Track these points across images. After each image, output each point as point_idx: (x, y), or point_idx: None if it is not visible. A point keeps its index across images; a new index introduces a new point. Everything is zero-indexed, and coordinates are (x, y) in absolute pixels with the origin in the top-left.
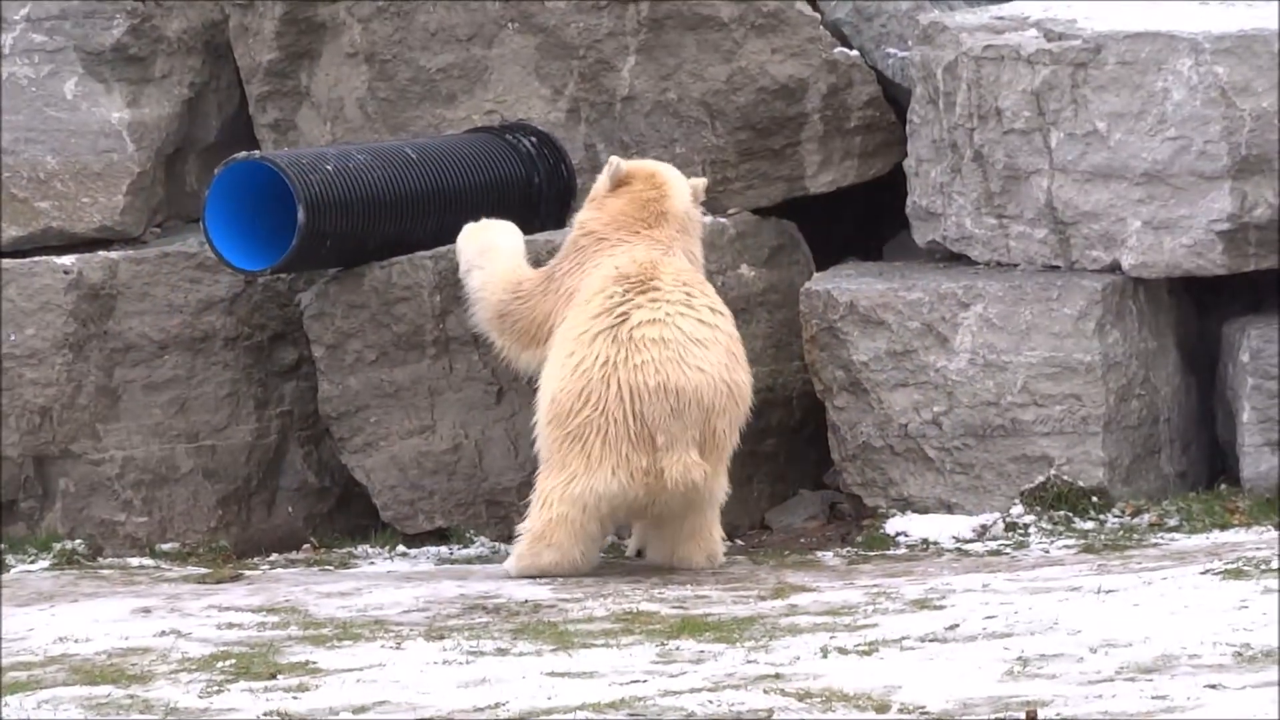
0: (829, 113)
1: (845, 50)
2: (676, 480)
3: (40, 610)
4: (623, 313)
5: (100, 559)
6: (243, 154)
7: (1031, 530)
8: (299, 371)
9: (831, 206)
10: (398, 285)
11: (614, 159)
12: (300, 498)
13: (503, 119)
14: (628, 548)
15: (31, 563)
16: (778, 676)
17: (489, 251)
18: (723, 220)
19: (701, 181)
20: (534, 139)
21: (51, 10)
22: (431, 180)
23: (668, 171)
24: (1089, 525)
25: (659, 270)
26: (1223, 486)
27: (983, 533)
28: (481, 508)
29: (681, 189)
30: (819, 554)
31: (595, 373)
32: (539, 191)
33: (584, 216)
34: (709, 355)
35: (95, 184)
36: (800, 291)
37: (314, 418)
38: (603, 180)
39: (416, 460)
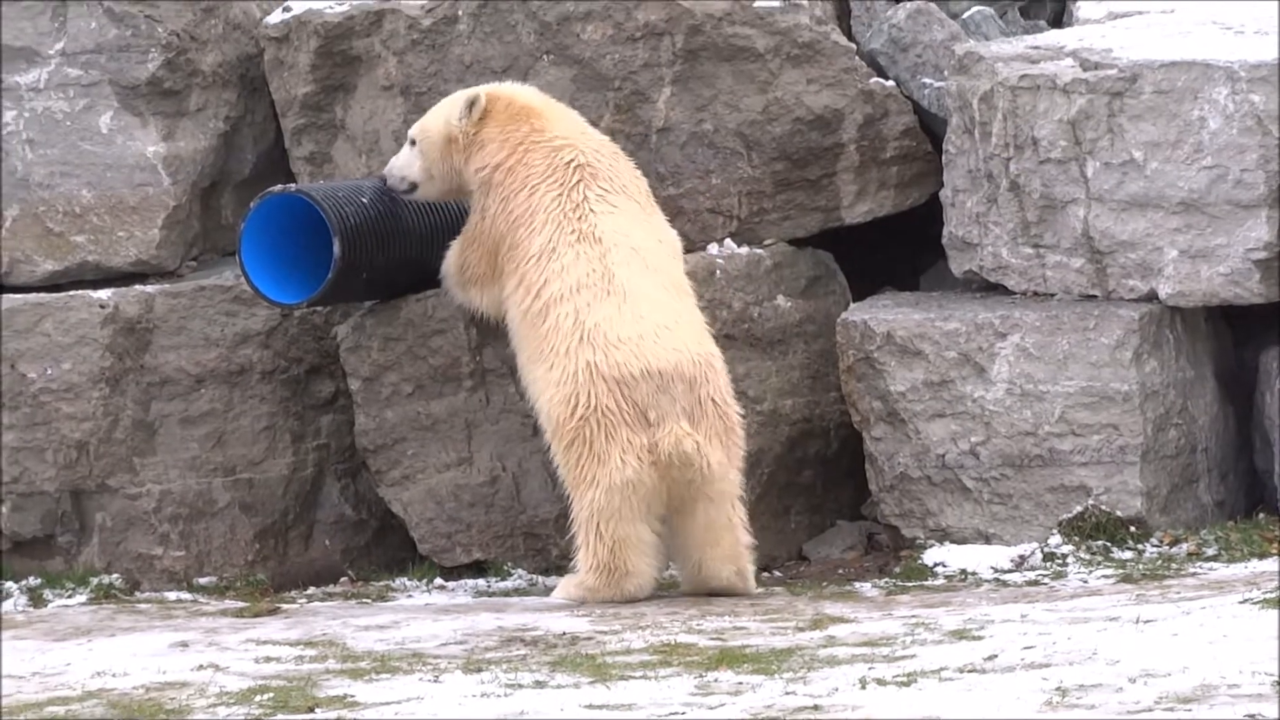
0: (865, 143)
1: (881, 80)
2: (670, 451)
3: (78, 644)
4: (594, 324)
5: (138, 593)
6: (278, 187)
7: (1070, 560)
8: (336, 404)
9: (868, 237)
10: (434, 318)
11: (463, 97)
12: (337, 531)
13: None
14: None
15: (69, 597)
16: (816, 708)
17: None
18: (759, 251)
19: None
20: None
21: (86, 44)
22: (467, 212)
23: (504, 87)
24: (1127, 555)
25: (608, 261)
26: (1261, 515)
27: (1021, 563)
28: (519, 540)
29: (524, 92)
30: (857, 585)
31: (581, 376)
32: None
33: (476, 164)
34: (679, 336)
35: (131, 217)
36: (837, 322)
37: (351, 451)
38: (446, 126)
39: (454, 493)
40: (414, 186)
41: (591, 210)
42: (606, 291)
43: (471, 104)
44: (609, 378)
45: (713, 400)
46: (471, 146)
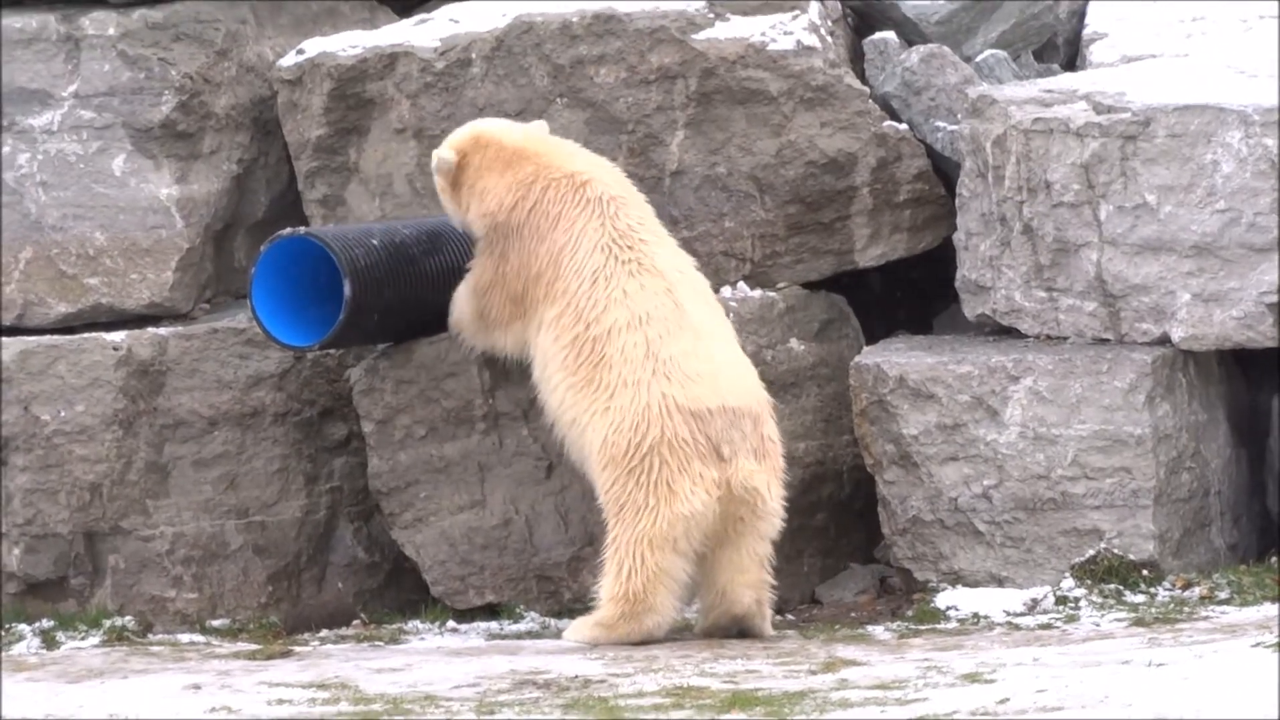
0: (878, 186)
1: (894, 124)
2: (741, 485)
3: (91, 687)
4: (669, 356)
5: (150, 635)
6: (288, 230)
7: (1082, 604)
8: (349, 447)
9: (881, 280)
10: (447, 361)
11: (435, 155)
12: (350, 573)
13: None
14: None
15: (82, 639)
16: None
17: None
18: (772, 294)
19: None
20: None
21: (100, 87)
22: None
23: (487, 129)
24: (1140, 598)
25: (677, 295)
26: (1274, 559)
27: (1033, 606)
28: (532, 583)
29: (509, 129)
30: (869, 628)
31: (655, 407)
32: None
33: (480, 209)
34: (747, 376)
35: (144, 260)
36: (850, 365)
37: (364, 493)
38: (440, 182)
39: (467, 535)
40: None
41: (642, 240)
42: (679, 326)
43: (437, 162)
44: (685, 410)
45: (772, 439)
46: (471, 195)
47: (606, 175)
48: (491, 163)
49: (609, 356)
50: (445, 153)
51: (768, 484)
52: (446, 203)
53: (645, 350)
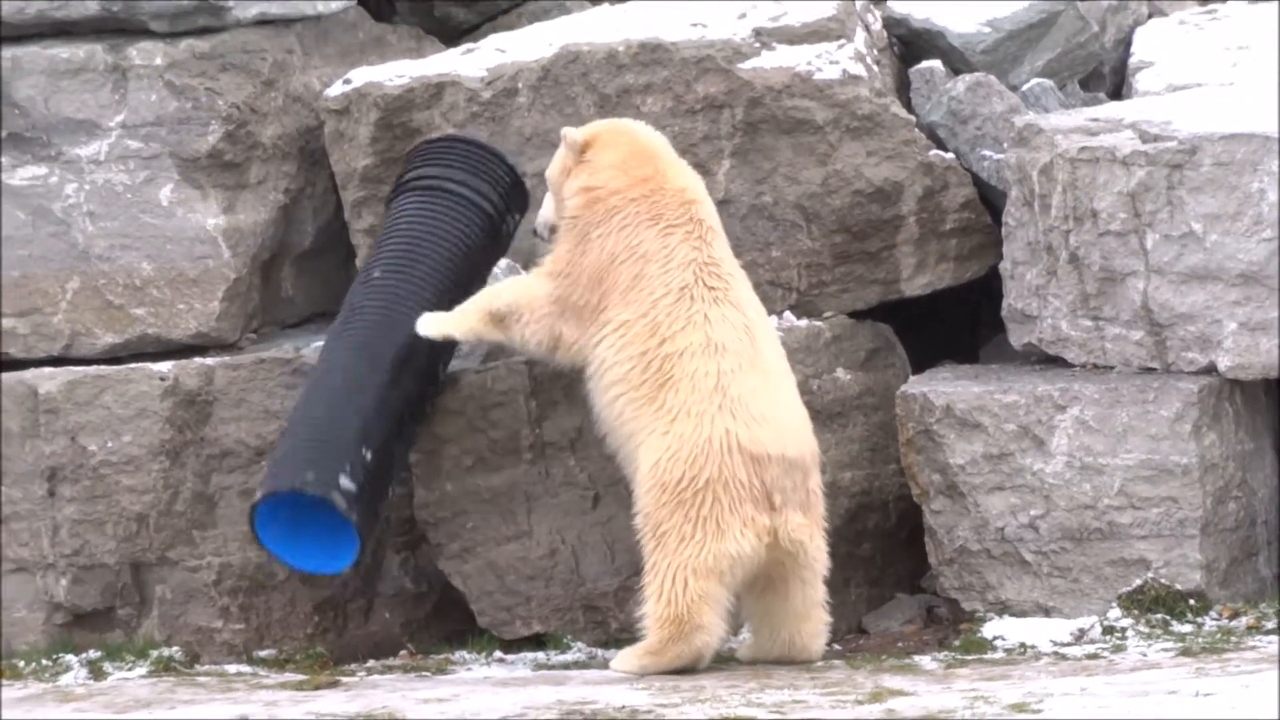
0: (924, 215)
1: (941, 153)
2: (788, 537)
3: (138, 717)
4: (739, 394)
5: (197, 666)
6: (306, 485)
7: (1129, 633)
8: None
9: (927, 309)
10: (494, 391)
11: (565, 130)
12: (397, 604)
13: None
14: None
15: (129, 670)
16: None
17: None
18: (819, 323)
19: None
20: (498, 190)
21: (147, 117)
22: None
23: (625, 122)
24: (1187, 628)
25: (754, 334)
26: None
27: (1080, 636)
28: (579, 613)
29: (646, 131)
30: (916, 658)
31: (716, 442)
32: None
33: (585, 182)
34: (804, 427)
35: (191, 290)
36: (896, 394)
37: (410, 524)
38: (564, 154)
39: (513, 566)
40: (555, 228)
41: (729, 273)
42: (752, 364)
43: (570, 144)
44: (746, 452)
45: (816, 493)
46: (582, 171)
47: (709, 208)
48: (618, 147)
49: (677, 379)
50: (577, 132)
51: (811, 536)
52: (554, 178)
53: (715, 382)
